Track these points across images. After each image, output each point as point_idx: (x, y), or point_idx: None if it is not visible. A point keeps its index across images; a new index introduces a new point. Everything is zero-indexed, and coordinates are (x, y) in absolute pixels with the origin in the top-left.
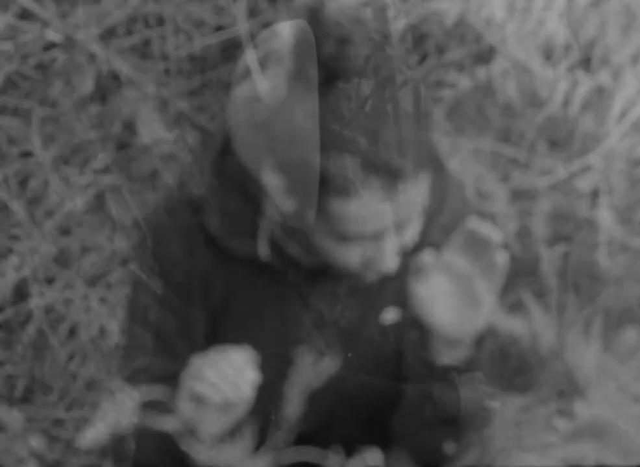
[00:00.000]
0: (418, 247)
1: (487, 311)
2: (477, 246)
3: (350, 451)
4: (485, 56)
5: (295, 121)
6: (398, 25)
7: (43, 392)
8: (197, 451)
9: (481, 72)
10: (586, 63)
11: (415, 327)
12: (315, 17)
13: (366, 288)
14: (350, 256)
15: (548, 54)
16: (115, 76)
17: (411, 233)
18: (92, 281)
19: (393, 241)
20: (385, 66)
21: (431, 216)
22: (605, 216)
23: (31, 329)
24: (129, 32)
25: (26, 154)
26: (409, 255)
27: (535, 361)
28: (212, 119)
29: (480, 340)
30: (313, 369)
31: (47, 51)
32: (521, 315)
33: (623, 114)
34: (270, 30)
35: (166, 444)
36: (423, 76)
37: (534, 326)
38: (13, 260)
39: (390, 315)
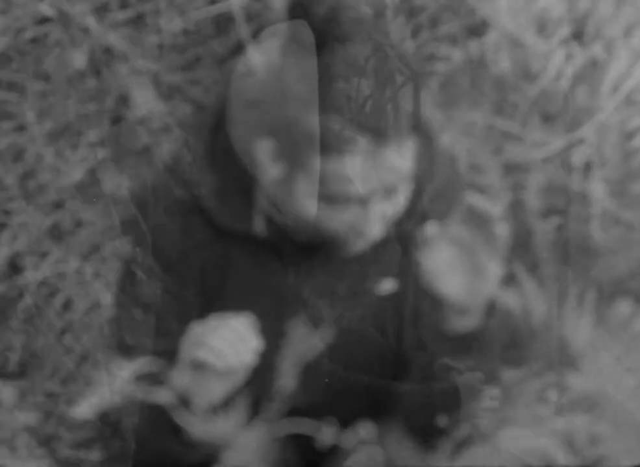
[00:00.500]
0: (408, 217)
1: (493, 280)
2: (477, 220)
3: (344, 423)
4: (478, 29)
5: (286, 82)
6: None
7: (37, 366)
8: (191, 424)
9: (474, 45)
10: (579, 36)
11: (425, 297)
12: None
13: (359, 260)
14: (336, 221)
15: (541, 27)
16: (108, 51)
17: (398, 202)
18: (86, 255)
19: (379, 207)
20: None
21: (420, 187)
22: (598, 189)
23: (25, 303)
24: (123, 6)
25: (20, 128)
26: (399, 224)
27: (527, 335)
28: (206, 93)
29: (490, 309)
30: (306, 341)
31: (41, 25)
32: (514, 288)
33: (616, 87)
34: (262, 3)
35: (159, 417)
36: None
37: (527, 299)
38: (7, 234)
39: (386, 285)
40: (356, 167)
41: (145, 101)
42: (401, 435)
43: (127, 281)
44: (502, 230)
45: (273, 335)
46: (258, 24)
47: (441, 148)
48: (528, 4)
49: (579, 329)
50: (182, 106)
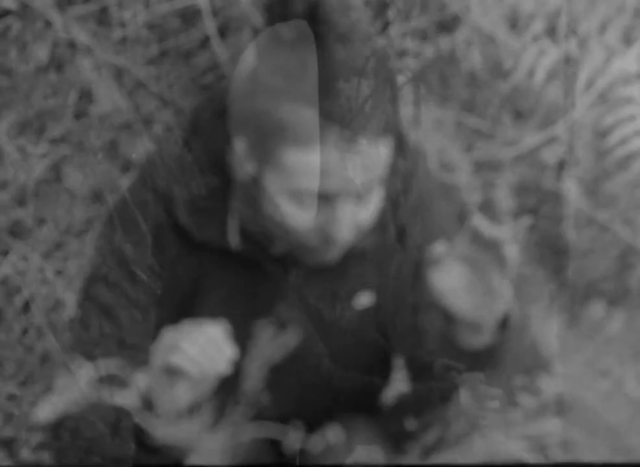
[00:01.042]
0: (386, 227)
1: (505, 297)
2: (485, 243)
3: (311, 427)
4: (449, 24)
5: (258, 74)
6: None
7: None
8: (154, 427)
9: (445, 41)
10: (552, 32)
11: (439, 316)
12: None
13: (335, 273)
14: (305, 223)
15: (513, 23)
16: (71, 44)
17: (369, 207)
18: (48, 253)
19: (348, 209)
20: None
21: (396, 196)
22: (570, 188)
23: None
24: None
25: None
26: (377, 234)
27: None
28: (170, 88)
29: (504, 324)
30: (272, 343)
31: (2, 18)
32: None
33: (589, 84)
34: None
35: (122, 419)
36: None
37: None
38: None
39: (363, 299)
40: (325, 160)
41: (109, 96)
42: (370, 438)
43: (92, 284)
44: (512, 252)
45: (243, 342)
46: (224, 18)
47: (417, 155)
48: (499, 0)
49: (551, 331)
50: (147, 102)
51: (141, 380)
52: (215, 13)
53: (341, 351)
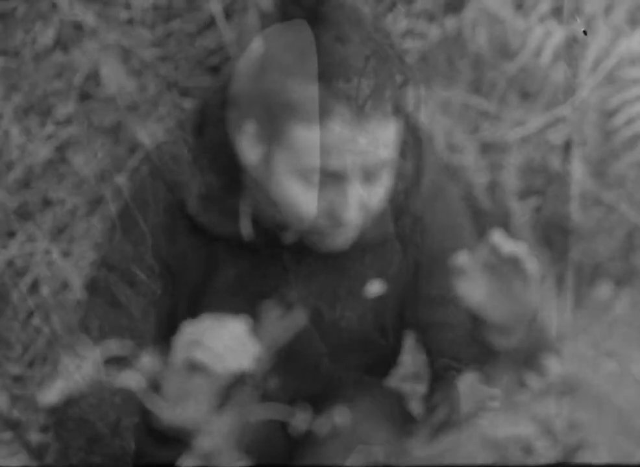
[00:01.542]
0: (400, 214)
1: (532, 303)
2: (504, 259)
3: (317, 409)
4: (455, 5)
5: (267, 52)
6: None
7: (4, 348)
8: (160, 408)
9: (451, 22)
10: (558, 13)
11: (471, 323)
12: None
13: (346, 263)
14: (313, 201)
15: (519, 4)
16: (77, 26)
17: (379, 190)
18: (54, 235)
19: (357, 190)
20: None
21: (408, 184)
22: (577, 169)
23: None
24: None
25: None
26: (389, 220)
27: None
28: (176, 69)
29: (531, 324)
30: (279, 324)
31: (8, 0)
32: None
33: (596, 65)
34: None
35: (128, 401)
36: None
37: None
38: None
39: (374, 288)
40: (333, 138)
41: (115, 78)
42: (376, 420)
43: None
44: (532, 266)
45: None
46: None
47: (428, 148)
48: None
49: (557, 312)
50: (153, 83)
51: (147, 362)
52: None
53: (347, 339)
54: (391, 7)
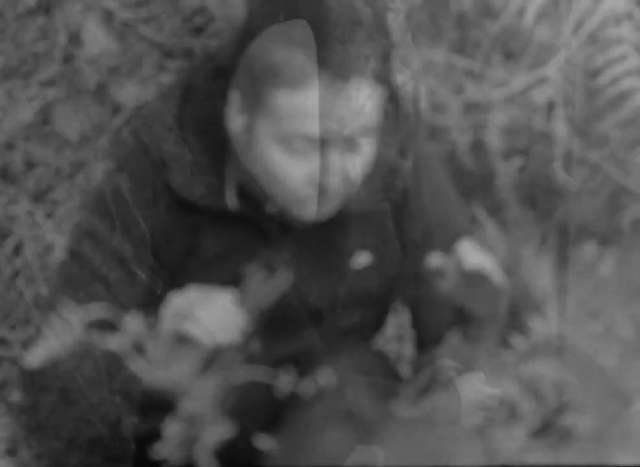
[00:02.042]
0: (388, 187)
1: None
2: (469, 274)
3: (302, 371)
4: None
5: (252, 19)
6: None
7: None
8: (144, 371)
9: None
10: None
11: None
12: None
13: (332, 234)
14: (294, 169)
15: None
16: None
17: (361, 159)
18: (37, 197)
19: (339, 158)
20: None
21: (396, 158)
22: (561, 128)
23: None
24: None
25: None
26: (375, 193)
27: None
28: (159, 30)
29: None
30: (263, 287)
31: None
32: (476, 231)
33: (579, 24)
34: None
35: (112, 364)
36: None
37: (488, 242)
38: None
39: (360, 259)
40: (314, 104)
41: (98, 39)
42: (361, 382)
43: (82, 232)
44: (498, 279)
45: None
46: None
47: (415, 121)
48: None
49: (542, 273)
50: (136, 44)
51: (131, 323)
52: None
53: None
54: None
